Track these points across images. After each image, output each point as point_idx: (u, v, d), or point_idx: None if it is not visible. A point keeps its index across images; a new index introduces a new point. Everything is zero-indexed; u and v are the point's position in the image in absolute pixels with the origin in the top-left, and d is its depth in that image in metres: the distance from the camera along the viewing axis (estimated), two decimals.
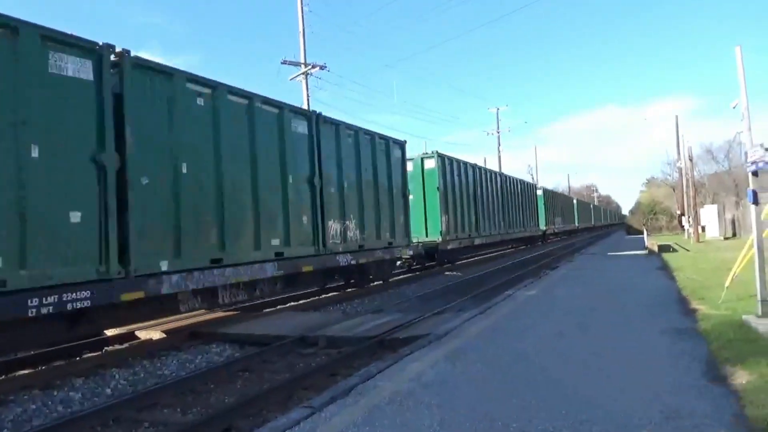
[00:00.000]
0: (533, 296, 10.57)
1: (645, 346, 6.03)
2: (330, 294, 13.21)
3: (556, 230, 45.30)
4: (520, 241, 32.91)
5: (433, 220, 18.82)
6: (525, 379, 4.92)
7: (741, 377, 4.58)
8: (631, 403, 4.14)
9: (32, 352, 7.39)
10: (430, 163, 19.23)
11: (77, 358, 7.49)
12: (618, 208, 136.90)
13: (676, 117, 40.33)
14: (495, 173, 27.64)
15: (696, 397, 4.20)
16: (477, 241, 22.75)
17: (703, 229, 36.12)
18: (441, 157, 19.63)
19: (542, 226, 39.06)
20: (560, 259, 22.31)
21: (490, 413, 4.07)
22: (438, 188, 18.99)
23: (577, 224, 59.53)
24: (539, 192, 39.87)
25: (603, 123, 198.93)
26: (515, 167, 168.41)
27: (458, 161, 21.31)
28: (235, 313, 10.43)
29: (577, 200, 65.15)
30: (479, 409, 4.17)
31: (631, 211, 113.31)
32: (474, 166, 23.41)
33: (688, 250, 23.84)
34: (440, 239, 18.69)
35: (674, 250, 23.68)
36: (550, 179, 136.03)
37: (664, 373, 4.91)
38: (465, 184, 21.68)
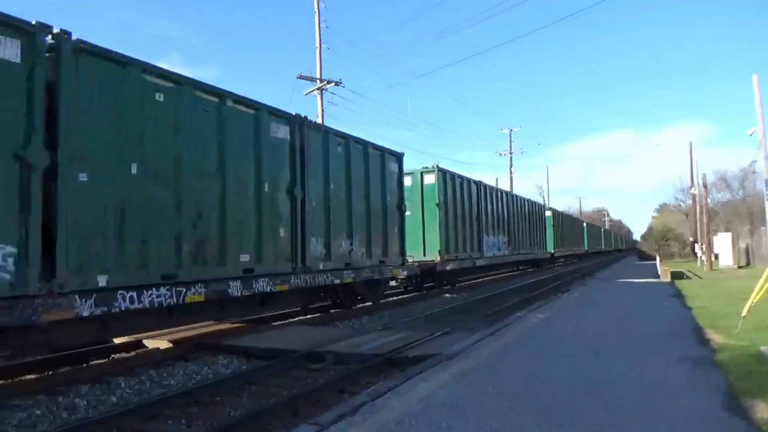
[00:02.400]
0: (544, 319, 10.42)
1: (660, 374, 5.88)
2: (339, 309, 13.12)
3: (564, 253, 40.44)
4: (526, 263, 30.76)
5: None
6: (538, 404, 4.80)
7: (763, 410, 4.44)
8: None
9: (39, 357, 7.36)
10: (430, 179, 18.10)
11: (84, 365, 7.45)
12: (629, 233, 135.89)
13: (690, 143, 40.28)
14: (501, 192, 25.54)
15: (716, 429, 4.07)
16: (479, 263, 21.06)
17: (717, 257, 35.72)
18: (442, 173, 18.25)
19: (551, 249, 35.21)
20: (571, 283, 22.08)
21: None
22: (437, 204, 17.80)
23: (586, 248, 53.54)
24: (548, 213, 35.76)
25: (616, 147, 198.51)
26: (526, 188, 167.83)
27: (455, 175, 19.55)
28: (242, 325, 10.38)
29: (587, 224, 59.75)
30: None
31: (643, 237, 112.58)
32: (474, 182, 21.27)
33: (701, 278, 23.57)
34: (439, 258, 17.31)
35: (687, 278, 23.43)
36: (561, 201, 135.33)
37: (681, 402, 4.78)
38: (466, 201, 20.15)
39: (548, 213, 36.35)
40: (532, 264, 33.05)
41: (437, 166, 18.28)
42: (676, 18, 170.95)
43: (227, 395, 6.15)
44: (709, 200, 42.20)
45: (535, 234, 31.09)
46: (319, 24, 26.10)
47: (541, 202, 35.71)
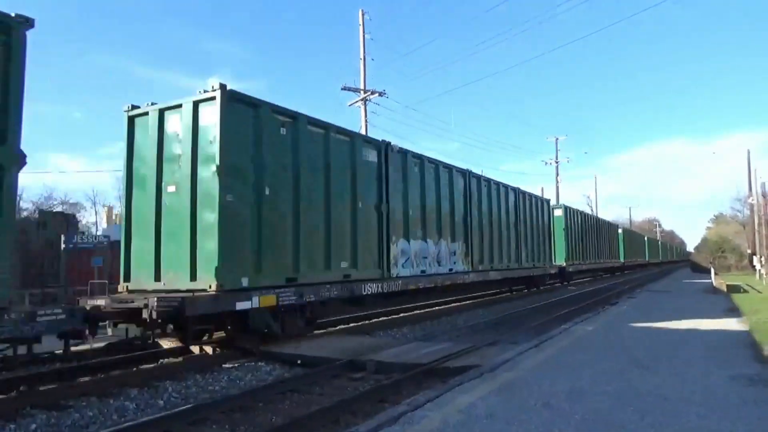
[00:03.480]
0: (591, 331, 10.14)
1: (713, 391, 5.63)
2: (381, 318, 13.15)
3: (586, 267, 30.98)
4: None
5: None
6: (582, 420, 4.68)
7: None
8: None
9: (93, 360, 7.66)
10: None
11: (134, 369, 7.70)
12: (682, 244, 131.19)
13: (748, 151, 38.60)
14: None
15: None
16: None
17: None
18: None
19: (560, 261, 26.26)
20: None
21: None
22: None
23: (623, 260, 43.37)
24: (558, 212, 26.98)
25: (668, 156, 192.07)
26: (573, 198, 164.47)
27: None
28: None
29: (624, 230, 47.69)
30: None
31: (697, 248, 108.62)
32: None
33: (759, 292, 22.52)
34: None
35: (744, 291, 22.44)
36: (610, 212, 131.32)
37: (734, 422, 4.56)
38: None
39: (558, 212, 27.17)
40: (527, 283, 22.63)
41: (222, 86, 8.48)
42: (728, 24, 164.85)
43: (270, 402, 6.24)
44: None
45: (533, 240, 21.72)
46: (363, 36, 26.44)
47: (547, 197, 26.56)
